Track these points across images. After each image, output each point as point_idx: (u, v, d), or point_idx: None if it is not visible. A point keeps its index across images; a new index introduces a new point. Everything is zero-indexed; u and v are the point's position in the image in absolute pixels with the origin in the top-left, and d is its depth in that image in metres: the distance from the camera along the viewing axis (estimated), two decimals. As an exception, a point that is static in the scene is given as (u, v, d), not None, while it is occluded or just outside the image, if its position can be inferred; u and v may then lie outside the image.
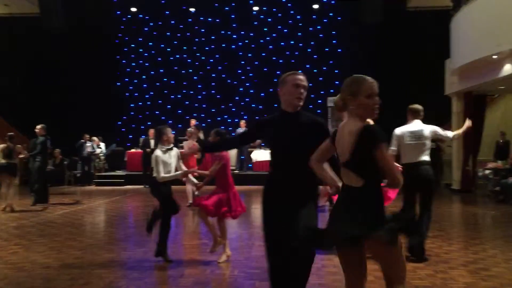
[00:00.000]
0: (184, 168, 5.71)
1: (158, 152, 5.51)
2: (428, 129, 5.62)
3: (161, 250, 5.55)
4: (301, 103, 3.26)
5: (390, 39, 17.08)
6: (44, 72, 18.07)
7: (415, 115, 5.78)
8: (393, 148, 5.64)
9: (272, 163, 3.39)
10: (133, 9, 19.35)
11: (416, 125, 5.69)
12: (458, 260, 5.53)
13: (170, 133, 5.67)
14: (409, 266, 5.22)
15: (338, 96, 2.79)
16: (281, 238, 3.13)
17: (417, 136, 5.56)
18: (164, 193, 5.58)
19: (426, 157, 5.55)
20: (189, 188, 10.33)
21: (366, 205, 2.58)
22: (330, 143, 2.84)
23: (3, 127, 17.31)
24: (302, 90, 3.24)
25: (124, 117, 19.64)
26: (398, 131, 5.74)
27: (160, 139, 5.65)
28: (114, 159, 18.01)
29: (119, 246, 6.53)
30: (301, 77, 3.28)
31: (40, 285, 4.60)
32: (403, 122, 5.90)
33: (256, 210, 10.31)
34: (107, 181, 16.37)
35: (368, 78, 2.71)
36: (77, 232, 7.67)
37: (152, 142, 14.65)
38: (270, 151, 3.44)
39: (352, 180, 2.64)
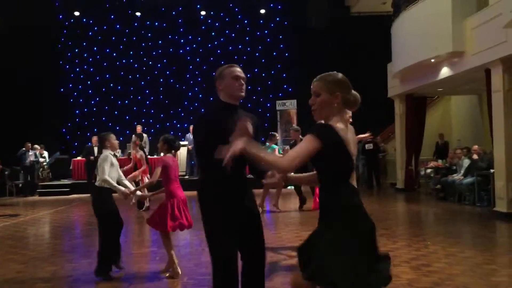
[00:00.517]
0: (126, 182, 5.45)
1: (107, 152, 5.26)
2: None
3: (104, 269, 5.11)
4: (243, 94, 3.22)
5: (335, 44, 17.56)
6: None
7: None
8: None
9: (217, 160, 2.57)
10: (77, 13, 18.81)
11: None
12: (401, 257, 5.73)
13: (113, 140, 5.40)
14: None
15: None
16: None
17: None
18: (111, 206, 5.20)
19: None
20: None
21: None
22: None
23: None
24: (242, 81, 3.20)
25: (69, 124, 19.05)
26: None
27: (103, 146, 5.41)
28: (58, 168, 17.42)
29: (63, 258, 6.32)
30: (239, 69, 3.25)
31: (-22, 303, 4.39)
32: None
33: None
34: (52, 191, 15.82)
35: None
36: (19, 245, 7.36)
37: (96, 149, 14.35)
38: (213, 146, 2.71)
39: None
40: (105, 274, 5.08)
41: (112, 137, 5.44)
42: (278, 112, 18.30)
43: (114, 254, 5.26)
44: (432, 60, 10.96)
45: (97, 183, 5.21)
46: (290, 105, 18.05)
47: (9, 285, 4.95)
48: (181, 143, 16.26)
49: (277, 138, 10.18)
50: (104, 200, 5.17)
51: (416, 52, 11.30)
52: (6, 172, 16.23)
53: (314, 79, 2.82)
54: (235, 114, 3.08)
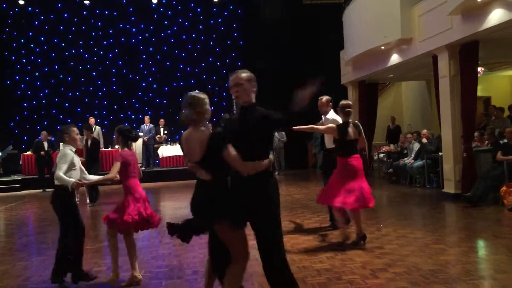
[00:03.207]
0: (91, 177, 5.02)
1: (68, 149, 4.78)
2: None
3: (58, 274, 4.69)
4: (240, 100, 3.48)
5: (289, 32, 17.64)
6: None
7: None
8: None
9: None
10: (21, 2, 17.92)
11: None
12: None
13: (74, 133, 4.89)
14: (311, 251, 5.48)
15: (188, 111, 3.44)
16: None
17: None
18: (71, 206, 4.78)
19: None
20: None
21: (214, 194, 3.22)
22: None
23: None
24: (235, 89, 3.47)
25: (17, 118, 18.33)
26: None
27: (62, 140, 4.95)
28: (8, 163, 16.76)
29: (14, 256, 6.12)
30: (233, 76, 3.53)
31: None
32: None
33: (165, 208, 10.19)
34: (1, 187, 15.22)
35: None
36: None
37: (45, 144, 13.96)
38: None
39: (203, 174, 3.24)
40: (60, 280, 4.65)
41: (73, 130, 4.91)
42: (234, 102, 18.28)
43: (72, 261, 4.76)
44: (382, 47, 11.22)
45: (55, 181, 4.68)
46: (246, 94, 18.07)
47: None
48: (136, 134, 16.02)
49: None
50: (63, 199, 4.73)
51: (367, 39, 11.53)
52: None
53: None
54: (243, 116, 3.47)
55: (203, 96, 3.49)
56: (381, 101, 15.69)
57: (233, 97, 3.60)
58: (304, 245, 5.78)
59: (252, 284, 4.43)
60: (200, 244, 6.16)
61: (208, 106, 3.48)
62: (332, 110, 6.58)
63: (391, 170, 12.34)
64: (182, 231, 3.43)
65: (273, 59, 17.31)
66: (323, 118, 6.53)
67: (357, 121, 6.06)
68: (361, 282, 4.29)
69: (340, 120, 6.05)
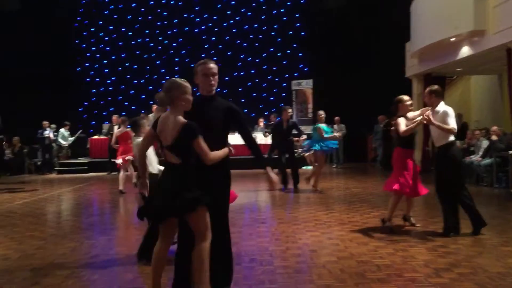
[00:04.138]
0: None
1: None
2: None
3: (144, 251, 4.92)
4: (213, 88, 3.68)
5: (352, 23, 17.25)
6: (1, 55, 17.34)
7: (441, 96, 5.96)
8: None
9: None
10: (92, -8, 18.73)
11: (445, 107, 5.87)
12: (417, 238, 5.70)
13: (147, 126, 5.31)
14: (370, 245, 5.37)
15: (164, 93, 3.46)
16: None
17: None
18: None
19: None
20: (122, 175, 10.37)
21: (181, 179, 3.39)
22: (153, 131, 3.49)
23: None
24: (211, 78, 3.64)
25: (86, 103, 19.19)
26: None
27: (137, 131, 5.38)
28: (77, 147, 17.60)
29: (82, 235, 6.42)
30: (209, 65, 3.66)
31: (0, 277, 4.49)
32: (366, 104, 6.06)
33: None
34: (69, 169, 16.03)
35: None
36: (38, 222, 7.50)
37: (115, 128, 14.49)
38: None
39: (172, 159, 3.44)
40: (146, 256, 4.72)
41: (145, 122, 5.38)
42: (293, 92, 18.20)
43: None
44: (452, 39, 10.75)
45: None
46: (306, 85, 17.93)
47: (30, 261, 5.06)
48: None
49: (322, 116, 10.00)
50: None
51: (436, 30, 11.08)
52: (25, 151, 16.48)
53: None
54: (206, 105, 3.66)
55: (184, 84, 3.47)
56: (448, 95, 15.06)
57: (210, 83, 3.64)
58: (363, 240, 5.67)
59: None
60: (257, 233, 6.21)
61: (188, 96, 3.45)
62: (442, 101, 5.93)
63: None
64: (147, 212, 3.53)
65: (335, 50, 17.03)
66: (430, 112, 5.78)
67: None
68: (423, 281, 4.15)
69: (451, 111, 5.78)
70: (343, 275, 4.33)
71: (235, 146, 13.28)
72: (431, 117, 5.64)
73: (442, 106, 5.84)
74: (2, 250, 5.54)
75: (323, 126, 9.95)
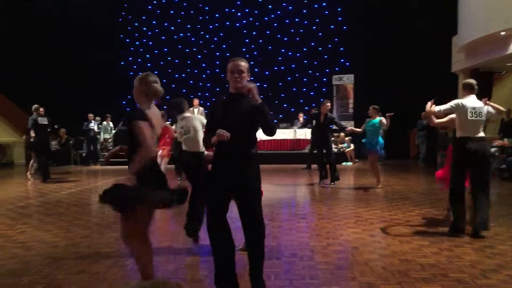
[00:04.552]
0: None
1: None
2: (485, 108, 5.70)
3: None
4: (239, 85, 3.66)
5: (396, 16, 16.84)
6: (49, 51, 17.93)
7: (472, 90, 5.78)
8: (443, 108, 5.78)
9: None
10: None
11: (475, 101, 5.73)
12: (463, 238, 5.53)
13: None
14: (414, 244, 5.25)
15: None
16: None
17: (478, 112, 5.64)
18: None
19: (483, 133, 5.71)
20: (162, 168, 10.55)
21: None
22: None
23: (7, 106, 17.39)
24: (236, 75, 3.66)
25: (129, 96, 19.58)
26: (460, 103, 5.74)
27: (183, 111, 5.64)
28: (119, 138, 18.00)
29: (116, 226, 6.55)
30: (237, 62, 3.69)
31: (48, 264, 4.65)
32: (409, 100, 5.94)
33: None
34: (113, 161, 16.35)
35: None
36: (84, 211, 7.73)
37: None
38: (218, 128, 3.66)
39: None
40: (192, 233, 5.27)
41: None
42: (334, 87, 18.00)
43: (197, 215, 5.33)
44: (502, 33, 10.34)
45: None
46: (347, 80, 17.69)
47: (76, 249, 5.22)
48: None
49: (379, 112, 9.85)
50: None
51: (485, 24, 10.69)
52: (71, 142, 17.02)
53: None
54: (239, 103, 3.67)
55: (148, 75, 3.68)
56: (496, 91, 14.53)
57: (230, 82, 3.70)
58: (405, 238, 5.54)
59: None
60: (297, 228, 6.18)
61: (154, 85, 3.62)
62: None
63: (504, 166, 11.42)
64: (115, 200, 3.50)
65: (378, 44, 16.71)
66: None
67: None
68: (470, 282, 4.02)
69: None
70: (385, 273, 4.25)
71: (274, 141, 13.29)
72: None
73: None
74: (50, 238, 5.74)
75: (376, 121, 9.68)
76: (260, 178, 3.78)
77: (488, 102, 5.88)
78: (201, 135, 5.26)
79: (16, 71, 17.48)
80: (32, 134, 11.59)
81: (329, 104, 10.47)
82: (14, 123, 17.50)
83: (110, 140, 17.51)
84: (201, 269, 4.57)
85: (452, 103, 5.78)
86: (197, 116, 5.57)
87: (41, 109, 11.75)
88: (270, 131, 3.66)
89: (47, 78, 17.50)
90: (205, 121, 5.27)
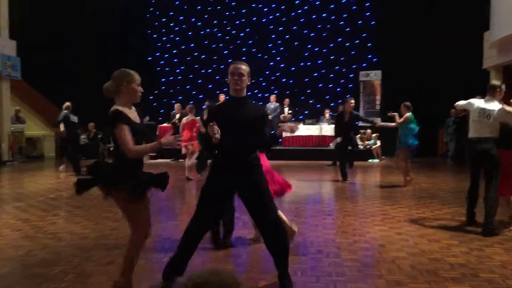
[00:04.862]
0: None
1: None
2: (498, 110, 5.60)
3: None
4: (238, 88, 3.71)
5: (427, 12, 16.54)
6: (76, 46, 18.25)
7: (490, 91, 5.80)
8: (460, 104, 6.08)
9: (221, 143, 3.63)
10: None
11: (489, 102, 5.72)
12: (494, 238, 5.41)
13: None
14: (443, 243, 5.16)
15: (110, 82, 3.55)
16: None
17: (487, 114, 5.63)
18: None
19: (490, 134, 5.63)
20: (188, 162, 10.75)
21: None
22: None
23: (40, 101, 17.79)
24: (236, 77, 3.69)
25: (156, 92, 19.81)
26: (472, 102, 5.89)
27: None
28: (151, 134, 18.22)
29: (152, 218, 6.63)
30: (237, 65, 3.72)
31: (78, 254, 4.75)
32: (438, 97, 5.90)
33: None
34: (139, 155, 16.60)
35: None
36: (112, 204, 7.82)
37: (177, 116, 14.93)
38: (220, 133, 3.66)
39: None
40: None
41: None
42: (361, 83, 17.81)
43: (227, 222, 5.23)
44: (537, 28, 10.05)
45: None
46: (374, 76, 17.48)
47: (105, 241, 5.32)
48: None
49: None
50: None
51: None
52: (99, 136, 17.31)
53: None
54: (240, 106, 3.73)
55: (133, 73, 3.54)
56: (529, 88, 14.13)
57: (231, 85, 3.73)
58: (434, 237, 5.46)
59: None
60: (323, 224, 6.15)
61: (134, 86, 3.51)
62: None
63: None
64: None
65: (407, 40, 16.43)
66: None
67: None
68: (501, 283, 3.93)
69: None
70: (414, 271, 4.19)
71: (299, 137, 13.34)
72: None
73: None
74: (80, 229, 5.87)
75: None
76: (266, 179, 3.88)
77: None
78: None
79: (50, 68, 17.84)
80: (62, 128, 11.85)
81: (353, 101, 10.36)
82: (45, 117, 17.89)
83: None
84: (227, 262, 4.60)
85: (467, 101, 5.95)
86: None
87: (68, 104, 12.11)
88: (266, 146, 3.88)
89: (78, 74, 17.82)
90: None
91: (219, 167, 3.81)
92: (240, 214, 6.63)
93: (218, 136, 3.50)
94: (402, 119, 9.35)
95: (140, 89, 3.54)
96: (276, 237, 3.74)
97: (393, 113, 9.49)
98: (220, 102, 4.00)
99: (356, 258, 4.59)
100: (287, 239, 3.85)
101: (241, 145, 3.67)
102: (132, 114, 3.56)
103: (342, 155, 10.59)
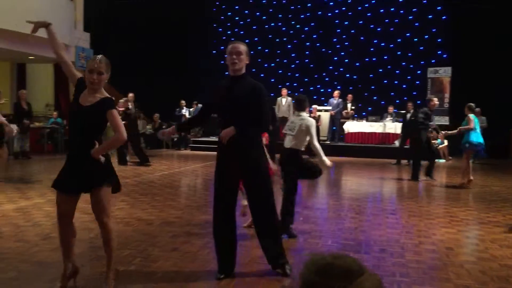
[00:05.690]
0: None
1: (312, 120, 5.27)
2: None
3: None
4: (236, 67, 3.75)
5: (504, 5, 15.63)
6: (144, 39, 18.84)
7: None
8: None
9: (220, 123, 3.86)
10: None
11: None
12: None
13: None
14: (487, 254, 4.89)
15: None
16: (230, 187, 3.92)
17: None
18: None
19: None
20: None
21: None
22: None
23: (106, 90, 18.51)
24: (234, 56, 3.73)
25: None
26: None
27: (304, 109, 5.43)
28: (209, 125, 18.55)
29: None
30: (235, 44, 3.80)
31: (145, 240, 4.91)
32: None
33: (348, 183, 10.19)
34: (202, 146, 16.97)
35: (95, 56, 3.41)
36: (175, 193, 8.09)
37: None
38: (218, 113, 3.97)
39: None
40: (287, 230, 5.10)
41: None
42: (429, 80, 17.16)
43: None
44: None
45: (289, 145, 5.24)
46: (444, 73, 16.78)
47: (170, 228, 5.47)
48: (325, 107, 16.23)
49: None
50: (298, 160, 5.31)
51: None
52: (164, 127, 17.82)
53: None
54: (238, 84, 3.76)
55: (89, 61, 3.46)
56: None
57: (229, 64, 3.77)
58: (506, 242, 5.17)
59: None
60: (386, 223, 6.01)
61: (85, 72, 3.38)
62: None
63: None
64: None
65: (479, 35, 15.64)
66: None
67: None
68: None
69: None
70: (484, 277, 4.00)
71: (361, 134, 13.13)
72: None
73: None
74: (146, 216, 6.07)
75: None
76: (265, 159, 4.00)
77: None
78: (306, 138, 5.16)
79: (121, 63, 18.49)
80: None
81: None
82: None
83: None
84: (288, 256, 4.59)
85: None
86: (306, 121, 5.18)
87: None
88: (261, 124, 3.80)
89: (144, 66, 18.42)
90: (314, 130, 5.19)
91: (220, 147, 3.88)
92: (301, 209, 6.61)
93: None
94: (466, 127, 9.04)
95: (89, 76, 3.35)
96: (266, 224, 3.90)
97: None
98: (220, 82, 4.00)
99: (421, 260, 4.44)
100: (278, 229, 4.00)
101: (236, 124, 3.69)
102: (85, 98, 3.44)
103: (425, 154, 10.25)
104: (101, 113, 3.38)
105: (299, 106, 5.37)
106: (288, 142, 5.23)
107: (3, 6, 11.74)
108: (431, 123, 10.15)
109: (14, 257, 4.25)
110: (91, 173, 3.36)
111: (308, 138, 5.15)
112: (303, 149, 5.25)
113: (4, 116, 13.83)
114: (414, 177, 10.01)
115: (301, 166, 5.27)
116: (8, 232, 5.09)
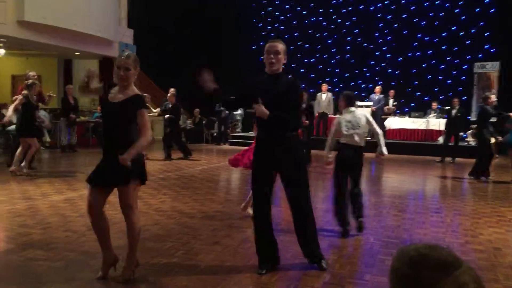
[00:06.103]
0: None
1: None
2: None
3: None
4: (273, 67, 3.77)
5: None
6: (185, 36, 19.06)
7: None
8: None
9: (257, 122, 3.89)
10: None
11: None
12: None
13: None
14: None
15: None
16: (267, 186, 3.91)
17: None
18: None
19: None
20: None
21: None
22: None
23: (151, 89, 18.87)
24: (272, 56, 3.74)
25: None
26: None
27: (353, 105, 5.38)
28: (248, 121, 18.63)
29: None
30: (273, 43, 3.80)
31: (186, 233, 4.98)
32: None
33: (389, 180, 10.01)
34: (240, 142, 17.03)
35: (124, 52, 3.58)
36: (216, 187, 8.17)
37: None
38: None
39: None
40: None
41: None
42: (475, 75, 16.61)
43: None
44: None
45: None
46: (491, 68, 16.20)
47: (211, 221, 5.52)
48: (365, 103, 15.97)
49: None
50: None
51: None
52: (204, 122, 18.02)
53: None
54: (270, 83, 3.79)
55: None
56: None
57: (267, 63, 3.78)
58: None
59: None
60: (430, 222, 5.87)
61: (115, 69, 3.48)
62: None
63: None
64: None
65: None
66: None
67: None
68: None
69: None
70: (535, 280, 3.84)
71: (404, 130, 12.85)
72: None
73: None
74: (187, 209, 6.16)
75: None
76: (303, 158, 4.03)
77: None
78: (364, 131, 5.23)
79: (162, 58, 18.87)
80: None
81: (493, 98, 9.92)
82: (156, 103, 18.97)
83: (238, 122, 18.24)
84: (332, 253, 4.56)
85: None
86: (362, 113, 5.29)
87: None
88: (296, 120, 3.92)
89: (185, 62, 18.63)
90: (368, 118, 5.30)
91: (259, 143, 3.93)
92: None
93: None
94: None
95: (117, 72, 3.47)
96: (302, 220, 3.90)
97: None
98: (254, 77, 4.04)
99: (468, 260, 4.30)
100: (314, 226, 3.97)
101: (273, 121, 3.72)
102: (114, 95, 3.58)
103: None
104: (132, 110, 3.47)
105: (350, 102, 5.32)
106: (359, 140, 5.14)
107: (52, 5, 12.12)
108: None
109: (63, 246, 4.40)
110: (120, 170, 3.40)
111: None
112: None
113: (52, 110, 14.53)
114: (473, 174, 9.68)
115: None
116: (57, 222, 5.27)
